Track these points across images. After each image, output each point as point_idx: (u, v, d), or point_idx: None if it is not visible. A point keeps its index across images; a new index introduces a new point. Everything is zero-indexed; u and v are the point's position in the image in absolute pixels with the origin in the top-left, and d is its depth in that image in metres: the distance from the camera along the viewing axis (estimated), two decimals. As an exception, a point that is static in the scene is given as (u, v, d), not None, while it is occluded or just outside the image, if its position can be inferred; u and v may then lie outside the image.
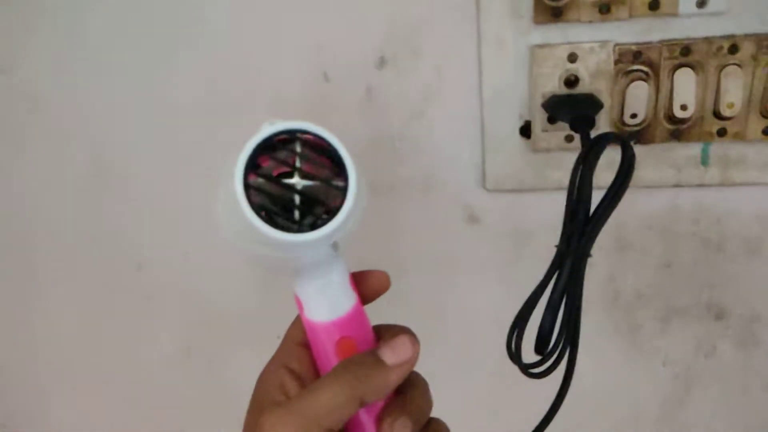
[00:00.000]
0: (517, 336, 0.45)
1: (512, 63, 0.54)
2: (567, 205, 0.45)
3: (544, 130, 0.55)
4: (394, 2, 0.54)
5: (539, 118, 0.54)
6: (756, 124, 0.52)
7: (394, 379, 0.34)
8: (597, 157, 0.44)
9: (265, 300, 0.67)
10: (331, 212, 0.31)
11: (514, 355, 0.45)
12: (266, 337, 0.69)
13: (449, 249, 0.62)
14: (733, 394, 0.64)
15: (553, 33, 0.52)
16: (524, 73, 0.54)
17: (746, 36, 0.50)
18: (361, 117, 0.58)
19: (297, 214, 0.30)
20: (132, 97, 0.62)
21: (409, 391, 0.37)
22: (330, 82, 0.57)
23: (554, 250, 0.45)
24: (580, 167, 0.44)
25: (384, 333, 0.37)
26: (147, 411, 0.76)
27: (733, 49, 0.50)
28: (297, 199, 0.30)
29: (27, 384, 0.77)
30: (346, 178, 0.31)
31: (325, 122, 0.61)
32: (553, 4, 0.50)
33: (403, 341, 0.35)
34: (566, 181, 0.44)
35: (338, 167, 0.31)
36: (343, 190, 0.31)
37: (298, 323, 0.38)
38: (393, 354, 0.34)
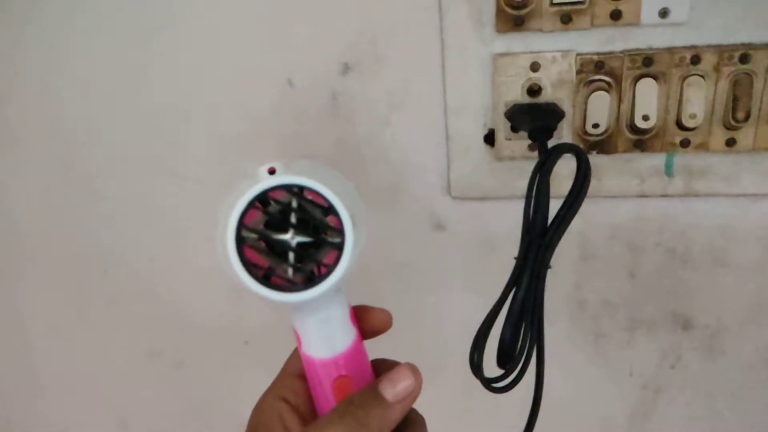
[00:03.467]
0: (478, 351, 0.44)
1: (475, 71, 0.53)
2: (525, 216, 0.44)
3: (508, 139, 0.54)
4: (359, 9, 0.54)
5: (503, 127, 0.54)
6: (719, 136, 0.52)
7: (397, 416, 0.33)
8: (552, 167, 0.44)
9: (234, 305, 0.67)
10: (327, 266, 0.29)
11: (476, 369, 0.44)
12: (234, 342, 0.69)
13: (415, 256, 0.62)
14: (700, 405, 0.64)
15: (516, 42, 0.52)
16: (488, 82, 0.53)
17: (708, 47, 0.50)
18: (326, 123, 0.58)
19: (290, 271, 0.29)
20: (100, 101, 0.61)
21: (408, 431, 0.35)
22: (294, 88, 0.57)
23: (519, 259, 0.45)
24: (537, 177, 0.44)
25: (381, 366, 0.36)
26: (116, 415, 0.76)
27: (695, 59, 0.50)
28: (291, 256, 0.29)
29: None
30: (342, 234, 0.30)
31: (290, 128, 0.61)
32: (515, 13, 0.50)
33: (403, 373, 0.33)
34: (529, 190, 0.43)
35: (335, 219, 0.30)
36: (339, 247, 0.29)
37: (296, 355, 0.38)
38: (393, 389, 0.33)
